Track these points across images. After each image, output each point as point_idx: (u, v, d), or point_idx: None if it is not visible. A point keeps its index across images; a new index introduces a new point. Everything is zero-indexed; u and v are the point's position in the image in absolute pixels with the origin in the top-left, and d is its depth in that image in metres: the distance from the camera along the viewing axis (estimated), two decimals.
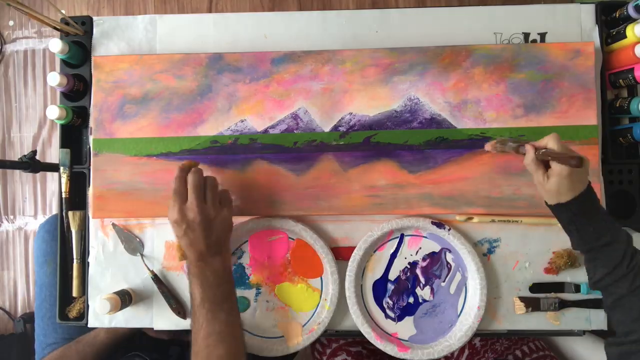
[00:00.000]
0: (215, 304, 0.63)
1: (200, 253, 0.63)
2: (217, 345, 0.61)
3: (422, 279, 0.75)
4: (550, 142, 0.61)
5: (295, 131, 0.75)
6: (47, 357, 0.85)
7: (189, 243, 0.63)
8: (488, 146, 0.70)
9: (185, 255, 0.65)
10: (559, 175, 0.59)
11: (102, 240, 0.78)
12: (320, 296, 0.76)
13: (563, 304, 0.74)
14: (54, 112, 0.74)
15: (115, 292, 0.74)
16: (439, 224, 0.74)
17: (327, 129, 0.75)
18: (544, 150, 0.62)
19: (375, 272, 0.76)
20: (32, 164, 0.84)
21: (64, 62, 0.80)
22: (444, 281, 0.75)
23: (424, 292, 0.75)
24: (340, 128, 0.75)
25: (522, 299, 0.74)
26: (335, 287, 0.74)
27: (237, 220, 0.75)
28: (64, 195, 0.78)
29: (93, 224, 0.78)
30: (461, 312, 0.74)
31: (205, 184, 0.65)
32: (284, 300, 0.76)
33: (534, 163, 0.62)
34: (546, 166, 0.62)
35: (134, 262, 0.77)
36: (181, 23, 0.80)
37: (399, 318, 0.75)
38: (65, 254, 0.79)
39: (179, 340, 0.94)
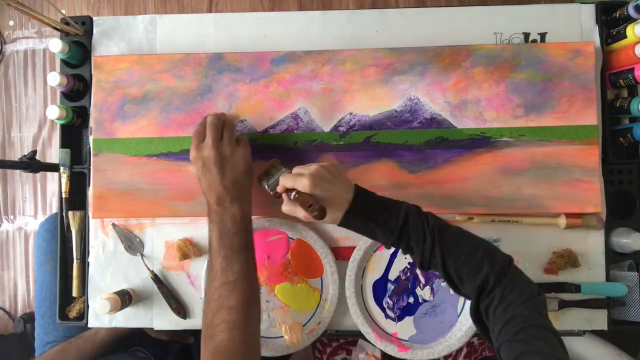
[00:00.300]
0: (232, 251, 0.62)
1: (218, 196, 0.63)
2: (229, 296, 0.59)
3: (422, 279, 0.75)
4: (298, 185, 0.60)
5: (295, 131, 0.75)
6: (48, 352, 0.85)
7: (208, 184, 0.63)
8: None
9: (206, 201, 0.65)
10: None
11: (102, 240, 0.78)
12: (321, 296, 0.76)
13: (563, 304, 0.74)
14: (54, 112, 0.74)
15: (115, 292, 0.74)
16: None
17: (327, 129, 0.75)
18: (294, 194, 0.61)
19: (375, 272, 0.76)
20: (32, 164, 0.84)
21: (64, 62, 0.80)
22: (444, 281, 0.75)
23: (424, 292, 0.75)
24: (340, 128, 0.75)
25: None
26: (335, 287, 0.74)
27: None
28: (64, 195, 0.78)
29: (93, 224, 0.78)
30: (461, 312, 0.74)
31: (224, 125, 0.67)
32: (284, 301, 0.76)
33: (290, 205, 0.62)
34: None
35: (134, 262, 0.77)
36: (181, 23, 0.80)
37: (399, 318, 0.75)
38: (65, 254, 0.79)
39: (178, 342, 0.94)
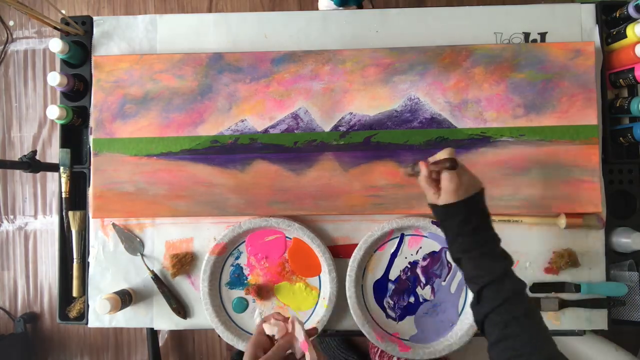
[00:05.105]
0: None
1: None
2: None
3: (422, 279, 0.75)
4: (442, 155, 0.60)
5: (295, 131, 0.75)
6: None
7: None
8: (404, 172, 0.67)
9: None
10: (446, 181, 0.58)
11: (102, 240, 0.78)
12: (319, 295, 0.76)
13: (563, 304, 0.74)
14: (54, 112, 0.74)
15: (115, 292, 0.74)
16: (440, 224, 0.74)
17: (327, 128, 0.75)
18: (432, 164, 0.60)
19: (375, 272, 0.76)
20: (32, 164, 0.84)
21: (64, 62, 0.80)
22: (444, 280, 0.75)
23: (424, 292, 0.75)
24: (340, 128, 0.75)
25: None
26: (334, 285, 0.74)
27: (235, 219, 0.75)
28: (64, 195, 0.78)
29: (93, 223, 0.78)
30: (462, 311, 0.74)
31: None
32: (283, 300, 0.76)
33: (426, 180, 0.60)
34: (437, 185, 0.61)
35: (134, 262, 0.77)
36: (181, 23, 0.79)
37: (400, 318, 0.75)
38: (65, 254, 0.79)
39: None
